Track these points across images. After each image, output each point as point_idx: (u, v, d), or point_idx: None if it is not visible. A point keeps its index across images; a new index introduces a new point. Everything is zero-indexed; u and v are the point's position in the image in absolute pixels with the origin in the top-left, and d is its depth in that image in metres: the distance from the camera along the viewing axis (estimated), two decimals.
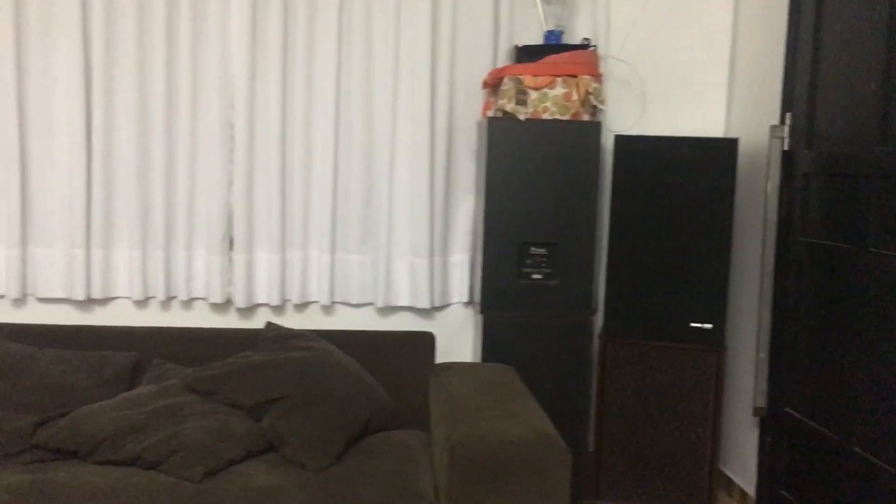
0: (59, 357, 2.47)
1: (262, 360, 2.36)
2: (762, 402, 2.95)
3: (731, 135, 3.24)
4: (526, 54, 3.01)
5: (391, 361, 2.67)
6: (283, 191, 3.13)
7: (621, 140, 2.95)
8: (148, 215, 3.10)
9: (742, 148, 3.13)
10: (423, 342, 2.73)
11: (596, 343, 3.13)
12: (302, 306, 3.24)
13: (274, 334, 2.57)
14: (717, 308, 2.93)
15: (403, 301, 3.20)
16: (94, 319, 3.14)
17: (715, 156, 2.89)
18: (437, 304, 3.22)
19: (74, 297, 3.06)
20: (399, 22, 3.10)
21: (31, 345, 2.56)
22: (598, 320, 3.28)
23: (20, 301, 3.11)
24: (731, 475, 3.21)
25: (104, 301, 3.15)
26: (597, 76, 2.93)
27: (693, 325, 2.94)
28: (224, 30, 3.08)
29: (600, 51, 3.17)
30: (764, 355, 2.95)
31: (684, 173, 2.92)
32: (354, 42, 3.12)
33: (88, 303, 3.14)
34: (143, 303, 3.16)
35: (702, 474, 2.99)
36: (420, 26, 3.09)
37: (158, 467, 2.09)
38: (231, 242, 3.15)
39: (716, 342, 2.93)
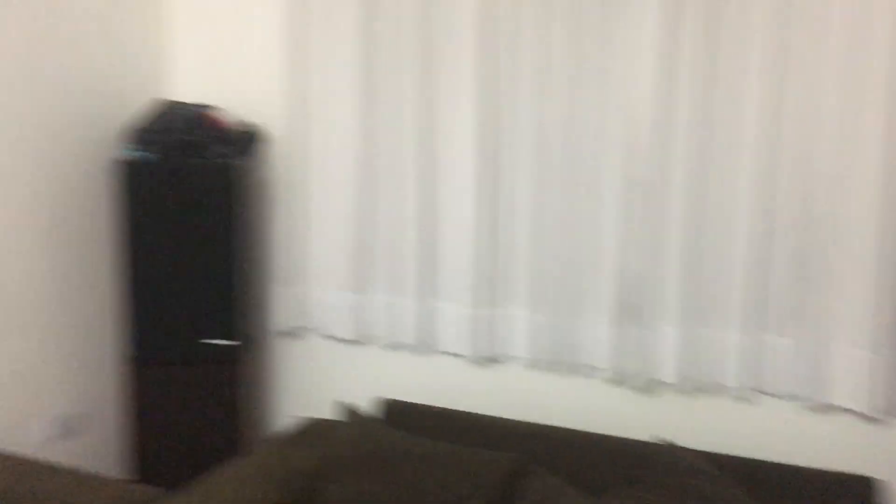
0: (435, 453, 2.35)
1: None
2: None
3: None
4: None
5: None
6: (692, 255, 2.65)
7: None
8: (544, 277, 2.85)
9: None
10: (857, 490, 2.08)
11: None
12: (713, 390, 2.74)
13: (665, 460, 2.15)
14: None
15: (840, 400, 2.54)
16: (490, 379, 3.02)
17: None
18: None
19: (470, 357, 2.97)
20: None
21: (412, 429, 2.49)
22: None
23: (423, 352, 3.11)
24: None
25: (499, 360, 3.00)
26: None
27: None
28: (629, 73, 2.65)
29: None
30: None
31: None
32: (791, 80, 2.48)
33: (484, 361, 3.02)
34: (537, 366, 2.95)
35: None
36: None
37: None
38: (630, 312, 2.77)
39: None
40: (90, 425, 3.04)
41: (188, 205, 2.79)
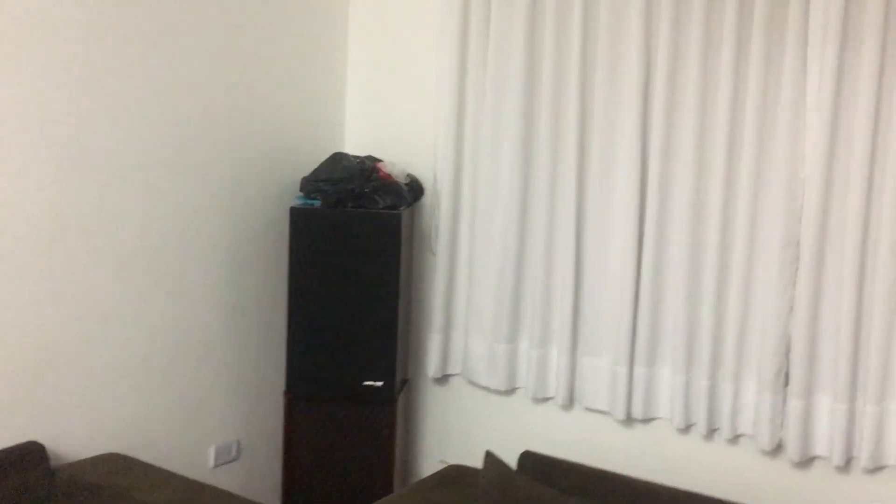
0: None
1: None
2: None
3: None
4: None
5: None
6: (857, 326, 2.54)
7: None
8: (694, 339, 2.81)
9: None
10: None
11: None
12: (875, 470, 2.59)
13: None
14: None
15: None
16: (634, 438, 2.98)
17: None
18: None
19: (615, 415, 2.95)
20: None
21: (552, 482, 2.51)
22: None
23: (567, 406, 3.11)
24: None
25: (645, 421, 2.96)
26: None
27: None
28: (796, 131, 2.60)
29: None
30: None
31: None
32: None
33: (629, 420, 2.98)
34: (684, 430, 2.89)
35: None
36: None
37: None
38: (787, 380, 2.67)
39: None
40: (250, 453, 3.24)
41: (353, 251, 2.95)
